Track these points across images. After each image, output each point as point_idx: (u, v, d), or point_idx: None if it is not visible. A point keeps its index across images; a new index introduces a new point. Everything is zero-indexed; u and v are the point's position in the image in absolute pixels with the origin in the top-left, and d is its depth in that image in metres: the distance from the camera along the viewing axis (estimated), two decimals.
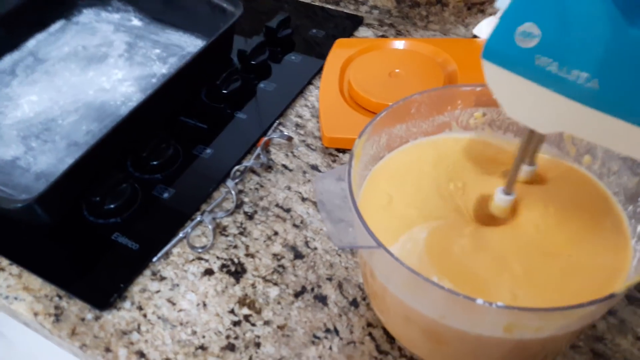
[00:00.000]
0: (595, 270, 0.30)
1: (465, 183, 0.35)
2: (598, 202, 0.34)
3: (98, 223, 0.45)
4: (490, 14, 0.61)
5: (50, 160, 0.50)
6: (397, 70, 0.54)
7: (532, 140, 0.30)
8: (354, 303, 0.39)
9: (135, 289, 0.41)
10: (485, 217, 0.33)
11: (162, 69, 0.60)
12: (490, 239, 0.31)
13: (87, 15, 0.68)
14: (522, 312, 0.25)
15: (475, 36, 0.62)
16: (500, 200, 0.32)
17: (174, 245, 0.43)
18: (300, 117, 0.55)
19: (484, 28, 0.60)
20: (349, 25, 0.67)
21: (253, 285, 0.41)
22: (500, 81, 0.27)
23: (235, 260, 0.42)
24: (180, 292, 0.41)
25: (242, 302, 0.40)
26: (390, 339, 0.37)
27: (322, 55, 0.61)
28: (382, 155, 0.37)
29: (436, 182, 0.35)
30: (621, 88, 0.23)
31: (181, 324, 0.39)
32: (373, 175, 0.35)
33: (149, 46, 0.63)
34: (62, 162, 0.50)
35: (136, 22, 0.67)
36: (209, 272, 0.42)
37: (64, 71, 0.60)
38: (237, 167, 0.48)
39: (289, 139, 0.51)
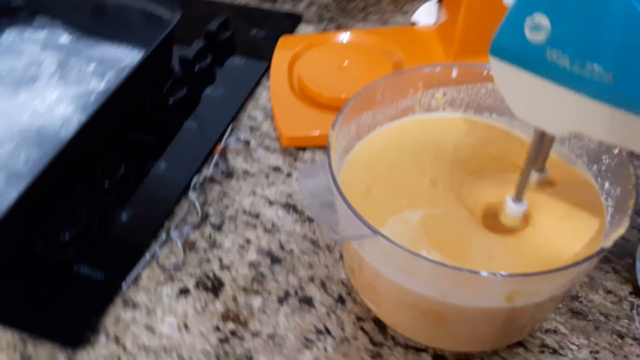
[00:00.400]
0: (571, 233, 0.31)
1: (441, 164, 0.35)
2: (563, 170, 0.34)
3: (55, 256, 0.42)
4: (427, 0, 0.62)
5: None
6: (345, 63, 0.54)
7: (542, 144, 0.29)
8: (340, 300, 0.39)
9: (108, 320, 0.38)
10: (495, 225, 0.32)
11: (100, 85, 0.56)
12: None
13: (9, 36, 0.63)
14: (526, 278, 0.25)
15: (414, 23, 0.62)
16: (511, 211, 0.30)
17: (143, 268, 0.41)
18: (253, 119, 0.53)
19: (423, 14, 0.61)
20: (288, 23, 0.66)
21: (234, 298, 0.39)
22: (508, 79, 0.26)
23: (210, 275, 0.41)
24: (158, 316, 0.38)
25: (225, 317, 0.38)
26: (382, 329, 0.37)
27: (266, 56, 0.60)
28: (353, 145, 0.36)
29: (410, 167, 0.35)
30: (637, 81, 0.22)
31: (165, 350, 0.36)
32: (347, 165, 0.35)
33: (82, 62, 0.59)
34: (2, 196, 0.46)
35: (65, 38, 0.63)
36: (184, 291, 0.40)
37: None
38: (196, 178, 0.46)
39: (247, 142, 0.49)
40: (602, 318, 0.37)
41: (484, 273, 0.24)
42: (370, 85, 0.35)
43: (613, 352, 0.35)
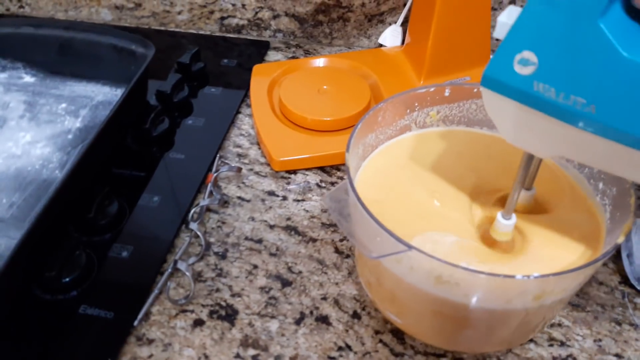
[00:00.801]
0: (572, 235, 0.34)
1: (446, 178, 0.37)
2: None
3: (57, 300, 0.40)
4: (390, 23, 0.66)
5: None
6: (324, 87, 0.56)
7: (530, 165, 0.31)
8: (356, 315, 0.40)
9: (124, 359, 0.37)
10: (490, 240, 0.33)
11: (76, 124, 0.55)
12: None
13: None
14: (557, 277, 0.27)
15: (381, 45, 0.66)
16: (500, 226, 0.32)
17: (152, 304, 0.40)
18: (239, 146, 0.54)
19: (388, 37, 0.64)
20: (256, 51, 0.67)
21: (250, 324, 0.39)
22: (499, 108, 0.28)
23: (223, 303, 0.41)
24: (175, 350, 0.38)
25: (245, 343, 0.38)
26: (401, 340, 0.38)
27: (241, 84, 0.61)
28: (359, 165, 0.38)
29: (414, 182, 0.37)
30: (617, 112, 0.24)
31: None
32: (357, 184, 0.36)
33: (52, 102, 0.58)
34: None
35: (28, 78, 0.61)
36: (198, 322, 0.40)
37: None
38: (194, 209, 0.46)
39: (239, 169, 0.50)
40: (599, 308, 0.40)
41: (518, 276, 0.26)
42: (373, 108, 0.36)
43: (614, 339, 0.38)
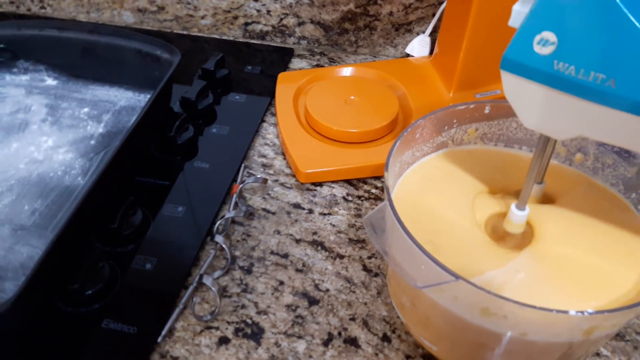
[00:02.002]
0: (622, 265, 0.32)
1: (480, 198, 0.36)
2: (603, 200, 0.36)
3: (80, 313, 0.39)
4: (418, 33, 0.64)
5: None
6: (352, 97, 0.55)
7: (545, 152, 0.31)
8: (386, 338, 0.39)
9: None
10: (501, 235, 0.34)
11: (98, 129, 0.55)
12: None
13: None
14: (610, 314, 0.26)
15: (408, 55, 0.64)
16: (514, 217, 0.33)
17: (176, 320, 0.39)
18: (264, 156, 0.53)
19: (416, 47, 0.63)
20: (280, 58, 0.66)
21: (277, 344, 0.38)
22: (518, 91, 0.28)
23: (248, 321, 0.40)
24: None
25: None
26: None
27: (264, 91, 0.60)
28: (395, 184, 0.37)
29: (450, 203, 0.36)
30: (637, 85, 0.25)
31: None
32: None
33: (74, 106, 0.57)
34: (12, 251, 0.43)
35: (51, 81, 0.60)
36: (224, 340, 0.38)
37: None
38: (219, 221, 0.45)
39: (264, 180, 0.49)
40: (638, 337, 0.38)
41: (572, 312, 0.25)
42: (411, 125, 0.35)
43: None
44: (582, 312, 0.25)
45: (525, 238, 0.34)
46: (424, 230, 0.33)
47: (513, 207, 0.33)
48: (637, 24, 0.24)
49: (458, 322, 0.29)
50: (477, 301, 0.27)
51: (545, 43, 0.26)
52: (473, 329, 0.29)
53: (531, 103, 0.28)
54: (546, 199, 0.36)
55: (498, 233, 0.34)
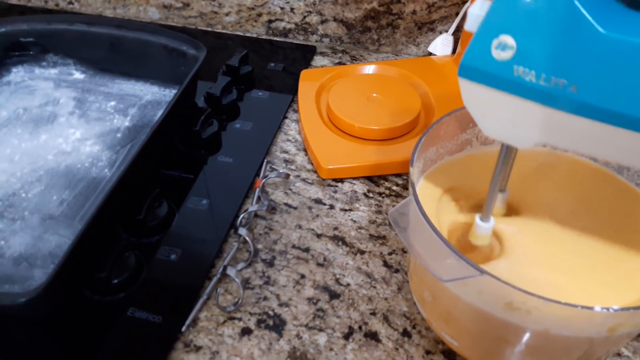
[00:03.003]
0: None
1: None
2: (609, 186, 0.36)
3: (106, 301, 0.40)
4: (441, 32, 0.65)
5: (26, 240, 0.44)
6: (374, 95, 0.55)
7: (509, 160, 0.30)
8: (406, 333, 0.39)
9: None
10: (468, 248, 0.33)
11: (125, 122, 0.56)
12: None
13: (18, 74, 0.62)
14: (635, 312, 0.26)
15: (430, 54, 0.64)
16: (479, 229, 0.32)
17: (200, 310, 0.40)
18: (286, 152, 0.53)
19: (439, 46, 0.63)
20: (302, 55, 0.67)
21: (298, 336, 0.39)
22: (477, 98, 0.27)
23: (270, 313, 0.40)
24: (223, 359, 0.38)
25: (292, 356, 0.38)
26: None
27: (287, 88, 0.61)
28: (418, 181, 0.37)
29: (473, 201, 0.36)
30: (599, 90, 0.23)
31: None
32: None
33: (101, 99, 0.58)
34: (41, 240, 0.44)
35: (78, 75, 0.62)
36: (246, 331, 0.39)
37: (10, 138, 0.54)
38: (242, 214, 0.45)
39: (287, 176, 0.49)
40: None
41: (597, 308, 0.25)
42: (436, 121, 0.36)
43: None
44: (607, 309, 0.25)
45: (492, 252, 0.33)
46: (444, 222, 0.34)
47: (477, 218, 0.32)
48: (597, 26, 0.23)
49: (481, 316, 0.30)
50: (501, 295, 0.27)
51: (503, 47, 0.25)
52: (496, 324, 0.29)
53: (491, 111, 0.27)
54: (510, 210, 0.35)
55: (464, 244, 0.33)
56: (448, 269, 0.27)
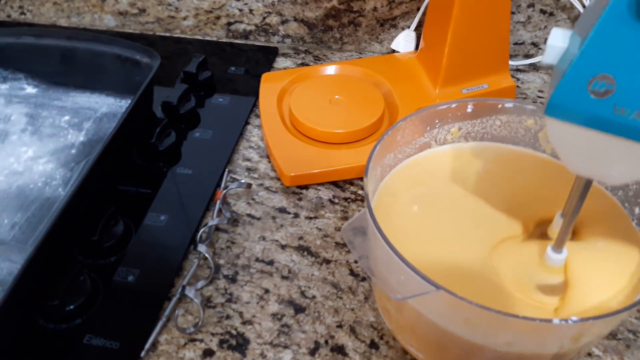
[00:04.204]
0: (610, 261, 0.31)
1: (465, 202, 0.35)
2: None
3: (61, 329, 0.38)
4: (404, 28, 0.63)
5: None
6: (336, 97, 0.54)
7: (587, 191, 0.28)
8: (373, 345, 0.38)
9: None
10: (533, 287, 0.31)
11: (79, 137, 0.54)
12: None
13: None
14: (596, 321, 0.25)
15: (393, 51, 0.63)
16: (552, 261, 0.30)
17: (159, 333, 0.39)
18: (248, 160, 0.52)
19: (401, 42, 0.62)
20: (264, 57, 0.65)
21: (262, 355, 0.37)
22: (568, 137, 0.25)
23: (233, 332, 0.39)
24: None
25: None
26: None
27: (249, 92, 0.59)
28: (375, 189, 0.36)
29: (435, 206, 0.35)
30: None
31: None
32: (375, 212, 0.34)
33: (54, 114, 0.56)
34: None
35: (30, 89, 0.59)
36: (208, 352, 0.38)
37: None
38: (202, 229, 0.44)
39: (248, 185, 0.48)
40: (630, 335, 0.37)
41: (556, 321, 0.24)
42: (392, 127, 0.34)
43: None
44: (566, 321, 0.24)
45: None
46: (406, 232, 0.32)
47: (549, 250, 0.30)
48: None
49: (442, 332, 0.28)
50: (460, 311, 0.26)
51: (601, 86, 0.23)
52: (458, 339, 0.28)
53: (583, 149, 0.25)
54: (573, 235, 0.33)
55: (526, 284, 0.30)
56: (403, 285, 0.26)
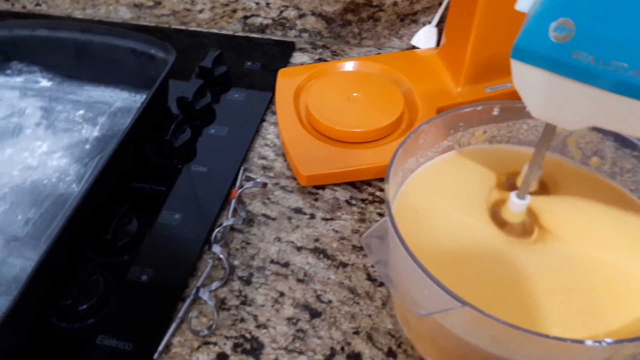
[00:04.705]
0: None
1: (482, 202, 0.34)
2: (616, 200, 0.34)
3: (74, 329, 0.38)
4: (424, 23, 0.62)
5: None
6: (354, 94, 0.52)
7: (548, 141, 0.30)
8: (391, 353, 0.37)
9: None
10: (502, 222, 0.33)
11: (93, 132, 0.53)
12: (531, 265, 0.31)
13: None
14: (632, 343, 0.23)
15: (413, 47, 0.62)
16: (515, 206, 0.32)
17: (173, 335, 0.38)
18: (264, 158, 0.51)
19: (422, 38, 0.60)
20: (281, 52, 0.64)
21: None
22: (530, 81, 0.26)
23: (247, 335, 0.38)
24: None
25: None
26: None
27: (265, 88, 0.58)
28: (396, 194, 0.34)
29: (457, 211, 0.34)
30: None
31: None
32: (396, 214, 0.33)
33: (69, 108, 0.56)
34: (4, 264, 0.42)
35: (45, 82, 0.59)
36: (222, 356, 0.37)
37: None
38: (217, 229, 0.43)
39: (264, 185, 0.47)
40: None
41: (589, 342, 0.23)
42: (414, 130, 0.33)
43: None
44: (600, 342, 0.23)
45: (525, 229, 0.33)
46: (432, 242, 0.31)
47: (513, 195, 0.32)
48: None
49: (465, 346, 0.27)
50: (486, 328, 0.25)
51: (562, 30, 0.24)
52: (481, 353, 0.27)
53: (543, 93, 0.26)
54: (542, 189, 0.35)
55: (498, 220, 0.33)
56: (427, 300, 0.25)
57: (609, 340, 0.23)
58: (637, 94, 0.24)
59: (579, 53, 0.24)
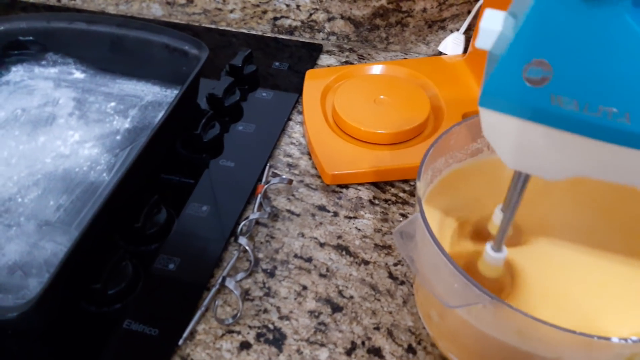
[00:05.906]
0: None
1: None
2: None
3: (102, 313, 0.39)
4: (452, 30, 0.62)
5: (21, 248, 0.43)
6: (381, 97, 0.53)
7: (523, 190, 0.26)
8: (411, 350, 0.37)
9: None
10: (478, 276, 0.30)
11: (124, 124, 0.54)
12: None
13: (17, 73, 0.61)
14: None
15: (441, 53, 0.62)
16: (491, 259, 0.29)
17: (198, 322, 0.39)
18: (289, 156, 0.52)
19: (450, 45, 0.61)
20: (308, 54, 0.65)
21: (299, 351, 0.37)
22: (504, 130, 0.23)
23: (270, 326, 0.39)
24: None
25: None
26: None
27: (292, 88, 0.59)
28: (424, 192, 0.35)
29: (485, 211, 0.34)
30: None
31: None
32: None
33: (101, 100, 0.57)
34: (36, 247, 0.43)
35: (79, 74, 0.60)
36: (245, 345, 0.38)
37: (7, 140, 0.53)
38: (243, 222, 0.44)
39: (290, 182, 0.48)
40: None
41: (615, 339, 0.23)
42: (446, 131, 0.34)
43: None
44: (626, 340, 0.23)
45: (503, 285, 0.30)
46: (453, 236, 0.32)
47: (488, 247, 0.29)
48: None
49: (489, 341, 0.28)
50: (513, 323, 0.26)
51: (537, 73, 0.21)
52: (505, 350, 0.28)
53: (520, 142, 0.23)
54: (516, 231, 0.33)
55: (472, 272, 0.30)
56: (456, 294, 0.26)
57: (634, 338, 0.24)
58: (631, 142, 0.21)
59: (560, 98, 0.21)
